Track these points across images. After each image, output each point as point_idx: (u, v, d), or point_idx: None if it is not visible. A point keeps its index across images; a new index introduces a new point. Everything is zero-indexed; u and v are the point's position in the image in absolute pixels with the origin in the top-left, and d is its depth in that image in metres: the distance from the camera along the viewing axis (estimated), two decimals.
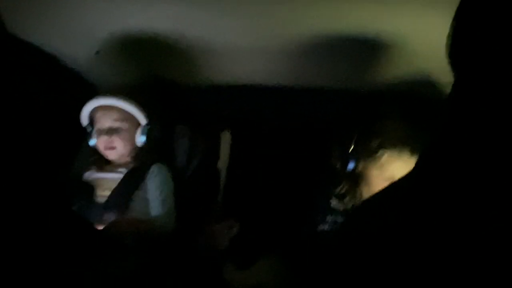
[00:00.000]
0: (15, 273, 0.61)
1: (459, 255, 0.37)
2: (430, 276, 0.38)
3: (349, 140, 1.19)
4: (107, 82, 1.35)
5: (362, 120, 1.24)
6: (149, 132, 1.22)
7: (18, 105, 1.11)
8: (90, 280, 0.73)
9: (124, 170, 1.21)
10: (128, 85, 1.34)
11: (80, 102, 1.22)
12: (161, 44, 1.17)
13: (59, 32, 1.10)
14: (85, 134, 1.26)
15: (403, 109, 1.20)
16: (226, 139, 1.44)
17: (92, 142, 1.23)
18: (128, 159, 1.25)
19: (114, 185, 1.18)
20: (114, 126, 1.19)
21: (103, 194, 1.18)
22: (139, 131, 1.22)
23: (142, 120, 1.23)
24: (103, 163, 1.24)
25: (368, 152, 1.15)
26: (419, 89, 1.27)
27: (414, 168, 0.48)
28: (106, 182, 1.20)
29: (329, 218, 1.19)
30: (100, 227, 1.04)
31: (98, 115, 1.20)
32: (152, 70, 1.38)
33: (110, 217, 1.10)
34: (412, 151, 1.11)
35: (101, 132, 1.20)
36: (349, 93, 1.40)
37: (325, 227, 1.18)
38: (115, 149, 1.20)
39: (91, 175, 1.23)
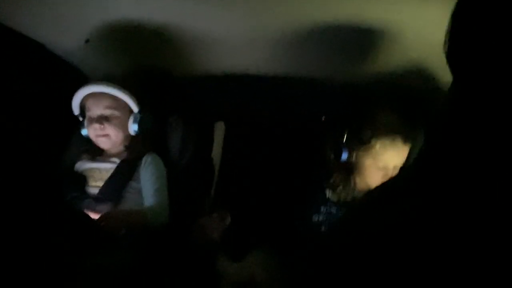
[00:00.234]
0: (8, 265, 0.60)
1: (456, 252, 0.37)
2: (428, 274, 0.38)
3: (342, 131, 1.20)
4: (97, 71, 1.33)
5: (355, 111, 1.25)
6: (142, 122, 1.21)
7: (7, 95, 1.09)
8: (83, 272, 0.72)
9: (116, 160, 1.20)
10: (120, 74, 1.32)
11: (71, 91, 1.20)
12: (153, 33, 1.15)
13: (48, 20, 1.08)
14: (76, 124, 1.25)
15: (396, 100, 1.21)
16: (219, 130, 1.44)
17: (84, 131, 1.21)
18: (120, 148, 1.23)
19: (107, 175, 1.17)
20: (105, 114, 1.18)
21: (95, 184, 1.17)
22: (131, 119, 1.21)
23: (134, 107, 1.21)
24: (96, 153, 1.23)
25: (361, 142, 1.16)
26: (412, 81, 1.27)
27: (412, 163, 0.48)
28: (98, 172, 1.19)
29: (323, 209, 1.20)
30: (93, 218, 1.03)
31: (89, 103, 1.19)
32: (144, 60, 1.36)
33: (103, 208, 1.10)
34: (405, 141, 1.12)
35: (93, 120, 1.18)
36: (343, 85, 1.40)
37: (320, 217, 1.19)
38: (108, 136, 1.19)
39: (83, 165, 1.22)
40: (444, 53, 0.44)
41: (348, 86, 1.41)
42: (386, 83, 1.33)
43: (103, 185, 1.16)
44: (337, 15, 1.01)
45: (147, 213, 1.12)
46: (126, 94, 1.19)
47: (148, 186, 1.16)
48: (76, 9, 1.03)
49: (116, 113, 1.19)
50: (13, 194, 0.65)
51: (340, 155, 1.18)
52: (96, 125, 1.17)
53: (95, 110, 1.18)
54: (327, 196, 1.21)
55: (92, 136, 1.20)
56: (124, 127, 1.21)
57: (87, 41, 1.19)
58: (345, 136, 1.19)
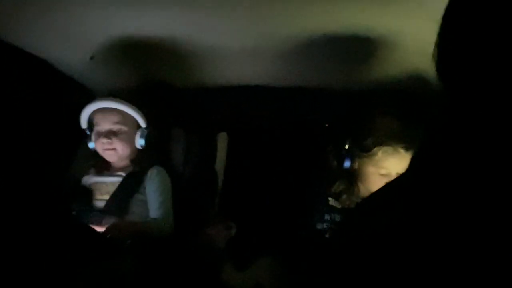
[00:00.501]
0: (16, 275, 0.61)
1: (456, 253, 0.37)
2: (428, 275, 0.38)
3: (344, 139, 1.20)
4: (102, 86, 1.35)
5: (357, 119, 1.25)
6: (148, 135, 1.23)
7: (14, 110, 1.12)
8: (90, 282, 0.73)
9: (123, 174, 1.22)
10: (124, 88, 1.34)
11: (76, 106, 1.22)
12: (155, 47, 1.17)
13: (54, 37, 1.10)
14: (82, 138, 1.27)
15: (397, 107, 1.21)
16: (222, 140, 1.44)
17: (91, 145, 1.23)
18: (126, 162, 1.25)
19: (113, 188, 1.19)
20: (113, 129, 1.20)
21: (102, 198, 1.18)
22: (138, 134, 1.23)
23: (142, 123, 1.23)
24: (102, 167, 1.25)
25: (363, 149, 1.15)
26: (412, 87, 1.28)
27: (409, 168, 0.49)
28: (105, 186, 1.21)
29: (327, 217, 1.19)
30: (100, 231, 1.04)
31: (98, 117, 1.21)
32: (147, 74, 1.38)
33: (109, 221, 1.10)
34: (407, 148, 1.12)
35: (101, 135, 1.20)
36: (343, 93, 1.41)
37: (323, 225, 1.18)
38: (115, 150, 1.21)
39: (90, 179, 1.24)
40: (433, 62, 0.45)
41: (349, 94, 1.41)
42: (386, 90, 1.34)
43: (109, 198, 1.17)
44: (337, 25, 1.03)
45: (152, 224, 1.13)
46: (134, 110, 1.21)
47: (154, 198, 1.18)
48: (80, 26, 1.06)
49: (124, 128, 1.21)
50: (21, 206, 0.66)
51: (343, 163, 1.18)
52: (104, 140, 1.19)
53: (104, 125, 1.20)
54: (330, 204, 1.21)
55: (100, 149, 1.22)
56: (131, 142, 1.22)
57: (91, 57, 1.21)
58: (348, 144, 1.19)
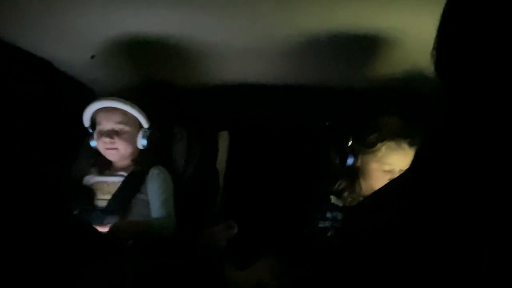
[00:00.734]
0: (17, 275, 0.61)
1: (456, 253, 0.37)
2: (429, 275, 0.38)
3: (347, 136, 1.20)
4: (103, 85, 1.36)
5: (359, 116, 1.25)
6: (150, 135, 1.23)
7: (15, 110, 1.12)
8: (91, 282, 0.73)
9: (124, 174, 1.22)
10: (126, 88, 1.34)
11: (77, 106, 1.22)
12: (156, 46, 1.17)
13: (55, 36, 1.10)
14: (84, 137, 1.27)
15: (399, 105, 1.21)
16: (224, 139, 1.44)
17: (93, 143, 1.23)
18: (128, 162, 1.25)
19: (114, 188, 1.19)
20: (116, 128, 1.20)
21: (104, 197, 1.19)
22: (140, 134, 1.23)
23: (144, 123, 1.23)
24: (104, 167, 1.25)
25: (367, 145, 1.15)
26: (414, 86, 1.27)
27: (411, 166, 0.49)
28: (106, 185, 1.21)
29: (329, 215, 1.19)
30: (101, 230, 1.04)
31: (100, 117, 1.21)
32: (148, 73, 1.38)
33: (111, 220, 1.11)
34: (410, 143, 1.12)
35: (103, 134, 1.20)
36: (345, 91, 1.41)
37: (325, 224, 1.18)
38: (117, 150, 1.21)
39: (92, 178, 1.24)
40: (432, 60, 0.45)
41: (351, 92, 1.41)
42: (389, 88, 1.34)
43: (111, 198, 1.17)
44: (339, 23, 1.03)
45: (154, 224, 1.13)
46: (136, 110, 1.21)
47: (155, 198, 1.18)
48: (81, 26, 1.06)
49: (126, 128, 1.21)
50: (23, 206, 0.66)
51: (346, 160, 1.18)
52: (106, 139, 1.19)
53: (106, 124, 1.20)
54: (332, 202, 1.21)
55: (101, 148, 1.22)
56: (133, 142, 1.23)
57: (92, 57, 1.21)
58: (350, 141, 1.19)
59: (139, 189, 1.19)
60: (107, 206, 1.16)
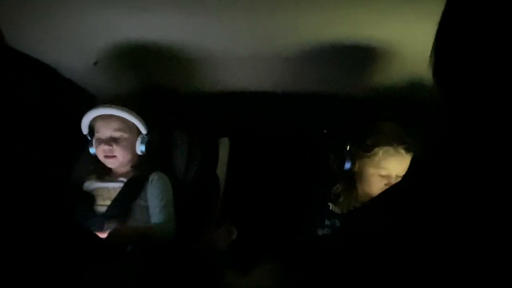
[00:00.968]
0: (17, 280, 0.61)
1: (455, 257, 0.38)
2: (429, 281, 0.38)
3: (345, 141, 1.21)
4: (105, 91, 1.36)
5: (357, 122, 1.26)
6: (149, 143, 1.23)
7: (17, 115, 1.12)
8: (90, 287, 0.73)
9: (124, 180, 1.22)
10: (126, 94, 1.35)
11: (79, 112, 1.23)
12: (158, 53, 1.18)
13: (57, 43, 1.11)
14: (85, 143, 1.27)
15: (397, 113, 1.22)
16: (224, 145, 1.45)
17: (92, 150, 1.24)
18: (128, 168, 1.26)
19: (114, 194, 1.19)
20: (114, 136, 1.21)
21: (104, 203, 1.19)
22: (139, 140, 1.23)
23: (142, 129, 1.24)
24: (103, 173, 1.25)
25: (364, 149, 1.16)
26: (412, 93, 1.29)
27: (408, 173, 0.49)
28: (106, 191, 1.21)
29: (327, 222, 1.19)
30: (101, 236, 1.04)
31: (99, 124, 1.21)
32: (150, 79, 1.39)
33: (111, 226, 1.11)
34: (407, 149, 1.12)
35: (101, 142, 1.21)
36: (344, 99, 1.42)
37: (324, 231, 1.19)
38: (115, 157, 1.21)
39: (92, 184, 1.24)
40: (430, 67, 0.46)
41: (350, 100, 1.42)
42: (386, 96, 1.35)
43: (110, 204, 1.17)
44: (339, 32, 1.04)
45: (154, 229, 1.13)
46: (134, 117, 1.21)
47: (155, 203, 1.18)
48: (83, 32, 1.07)
49: (125, 135, 1.21)
50: (23, 211, 0.66)
51: (343, 164, 1.18)
52: (105, 147, 1.20)
53: (104, 131, 1.20)
54: (330, 209, 1.21)
55: (100, 156, 1.22)
56: (132, 148, 1.23)
57: (95, 63, 1.22)
58: (348, 145, 1.20)
59: (139, 195, 1.20)
60: (106, 211, 1.16)
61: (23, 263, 0.65)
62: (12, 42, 1.05)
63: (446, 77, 0.45)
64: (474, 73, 0.41)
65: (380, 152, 1.14)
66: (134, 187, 1.21)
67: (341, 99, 1.43)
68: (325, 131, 1.41)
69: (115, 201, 1.18)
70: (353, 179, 1.20)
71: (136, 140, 1.23)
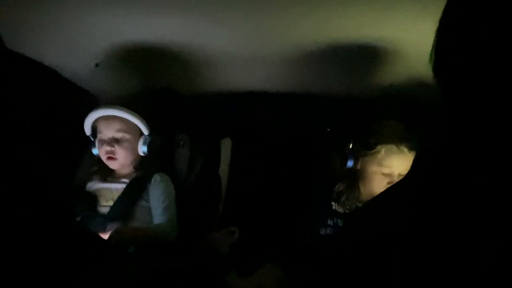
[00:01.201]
0: (18, 280, 0.62)
1: (457, 257, 0.37)
2: (431, 281, 0.38)
3: (347, 140, 1.21)
4: (107, 93, 1.37)
5: (360, 121, 1.26)
6: (151, 144, 1.23)
7: (19, 117, 1.13)
8: (91, 285, 0.73)
9: (126, 181, 1.23)
10: (128, 95, 1.35)
11: (82, 113, 1.23)
12: (160, 54, 1.18)
13: (59, 44, 1.12)
14: (87, 144, 1.28)
15: (400, 112, 1.22)
16: (226, 146, 1.45)
17: (95, 151, 1.24)
18: (130, 169, 1.26)
19: (117, 195, 1.19)
20: (116, 136, 1.21)
21: (106, 204, 1.19)
22: (141, 141, 1.23)
23: (144, 130, 1.24)
24: (106, 174, 1.25)
25: (367, 147, 1.16)
26: (414, 93, 1.28)
27: (411, 172, 0.49)
28: (109, 192, 1.21)
29: (330, 222, 1.19)
30: (104, 237, 1.05)
31: (101, 125, 1.22)
32: (152, 80, 1.39)
33: (113, 227, 1.11)
34: (410, 147, 1.12)
35: (104, 142, 1.21)
36: (346, 98, 1.42)
37: (326, 231, 1.18)
38: (117, 159, 1.22)
39: (95, 185, 1.24)
40: (431, 68, 0.46)
41: (353, 100, 1.42)
42: (388, 95, 1.35)
43: (113, 205, 1.18)
44: (341, 32, 1.04)
45: (156, 230, 1.13)
46: (136, 117, 1.22)
47: (157, 204, 1.18)
48: (85, 34, 1.07)
49: (127, 136, 1.22)
50: (25, 212, 0.66)
51: (346, 162, 1.18)
52: (107, 148, 1.20)
53: (106, 132, 1.21)
54: (333, 208, 1.21)
55: (103, 157, 1.23)
56: (134, 149, 1.23)
57: (97, 65, 1.23)
58: (351, 144, 1.20)
59: (141, 196, 1.20)
60: (109, 212, 1.16)
61: (25, 263, 0.65)
62: (13, 45, 1.06)
63: (447, 75, 0.45)
64: (475, 71, 0.41)
65: (383, 150, 1.14)
66: (136, 188, 1.21)
67: (342, 98, 1.42)
68: (328, 130, 1.41)
69: (118, 202, 1.18)
70: (355, 177, 1.20)
71: (138, 141, 1.23)
